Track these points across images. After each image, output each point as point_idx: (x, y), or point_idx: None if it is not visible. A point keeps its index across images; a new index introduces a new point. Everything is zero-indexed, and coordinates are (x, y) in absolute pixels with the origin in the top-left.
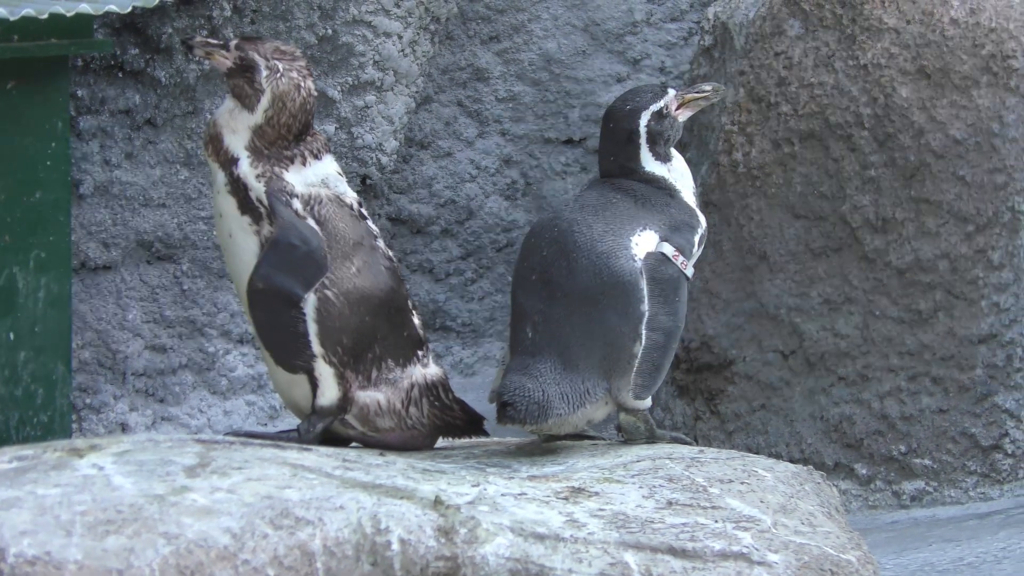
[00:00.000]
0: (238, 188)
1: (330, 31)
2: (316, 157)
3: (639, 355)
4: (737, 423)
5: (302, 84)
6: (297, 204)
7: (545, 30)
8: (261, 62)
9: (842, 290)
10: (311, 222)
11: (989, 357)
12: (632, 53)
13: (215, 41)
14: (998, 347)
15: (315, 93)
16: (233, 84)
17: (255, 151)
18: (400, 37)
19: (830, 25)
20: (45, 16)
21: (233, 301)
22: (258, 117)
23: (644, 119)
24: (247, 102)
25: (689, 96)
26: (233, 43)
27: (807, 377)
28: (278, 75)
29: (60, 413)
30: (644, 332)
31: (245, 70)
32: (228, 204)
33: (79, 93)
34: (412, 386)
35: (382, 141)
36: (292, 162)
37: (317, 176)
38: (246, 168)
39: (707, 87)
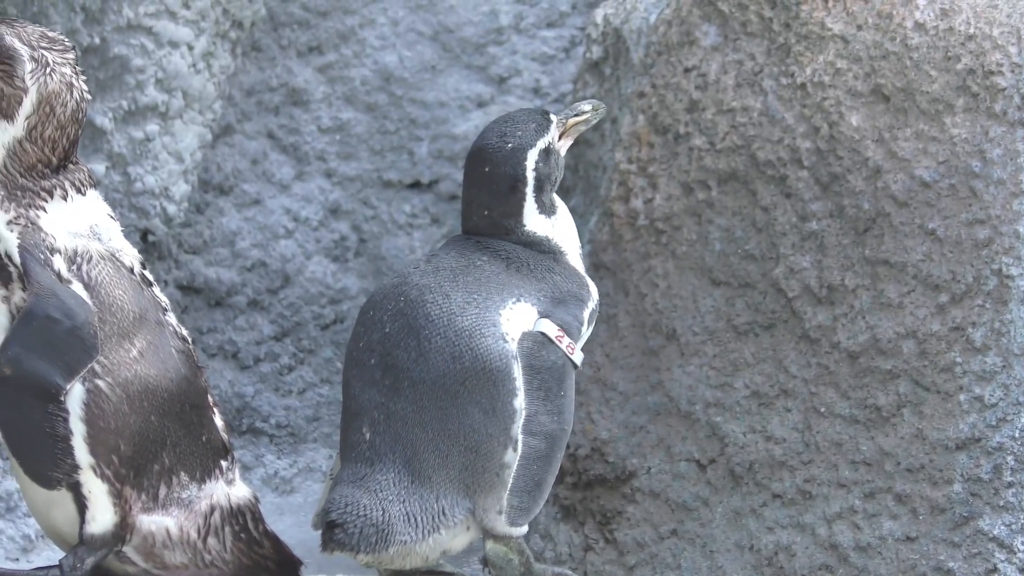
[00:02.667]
0: None
1: (98, 40)
2: (80, 192)
3: (513, 466)
4: (640, 555)
5: (75, 83)
6: (59, 263)
7: (382, 39)
8: (24, 51)
9: (776, 380)
10: (77, 287)
11: (971, 468)
12: (497, 69)
13: None
14: (982, 455)
15: (88, 98)
16: None
17: (7, 183)
18: (191, 48)
19: (756, 32)
20: None
21: None
22: (18, 128)
23: (532, 160)
24: (1, 104)
25: (571, 121)
26: None
27: (731, 494)
28: (47, 70)
29: None
30: (519, 436)
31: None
32: None
33: None
34: (212, 509)
35: (168, 185)
36: (51, 196)
37: (84, 220)
38: None
39: (585, 106)
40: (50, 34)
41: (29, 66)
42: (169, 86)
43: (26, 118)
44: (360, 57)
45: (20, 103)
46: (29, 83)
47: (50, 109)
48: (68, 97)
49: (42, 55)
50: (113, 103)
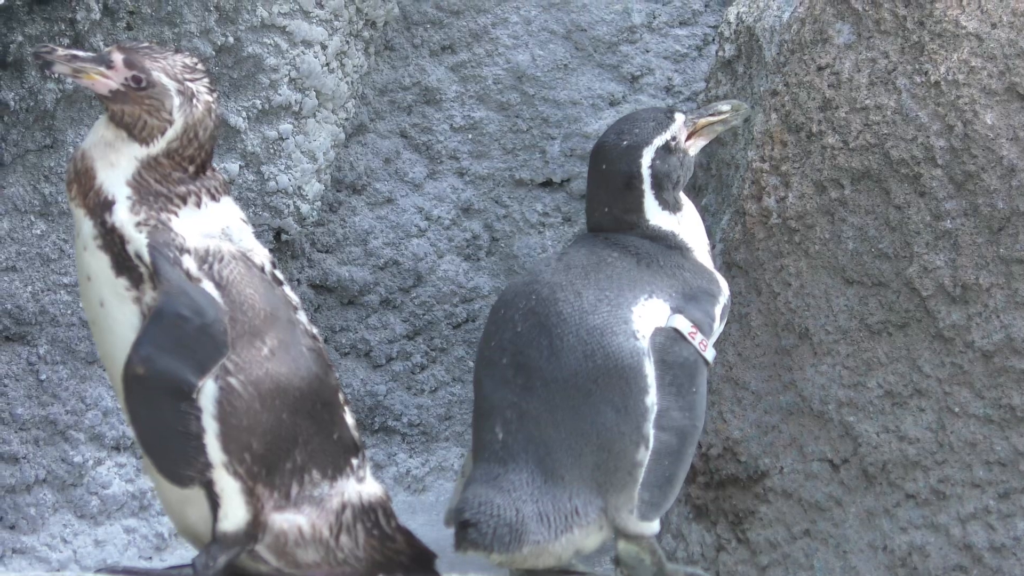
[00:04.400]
0: (112, 241)
1: (231, 39)
2: (214, 199)
3: (645, 463)
4: (772, 555)
5: (213, 108)
6: (189, 262)
7: (515, 37)
8: (172, 86)
9: (909, 379)
10: (208, 286)
11: None
12: (629, 67)
13: (84, 54)
14: None
15: (220, 114)
16: (121, 111)
17: (140, 188)
18: (324, 47)
19: (890, 30)
20: None
21: (106, 395)
22: (155, 149)
23: (647, 157)
24: (142, 133)
25: (702, 121)
26: (118, 57)
27: (864, 494)
28: (193, 101)
29: None
30: (651, 433)
31: (146, 96)
32: (98, 263)
33: None
34: (344, 507)
35: (302, 184)
36: (184, 203)
37: (216, 224)
38: (123, 215)
39: (724, 106)
40: (189, 62)
41: (177, 100)
42: (303, 85)
43: (168, 142)
44: (493, 56)
45: (163, 132)
46: (176, 116)
47: (194, 135)
48: (209, 122)
49: (187, 87)
50: (247, 102)
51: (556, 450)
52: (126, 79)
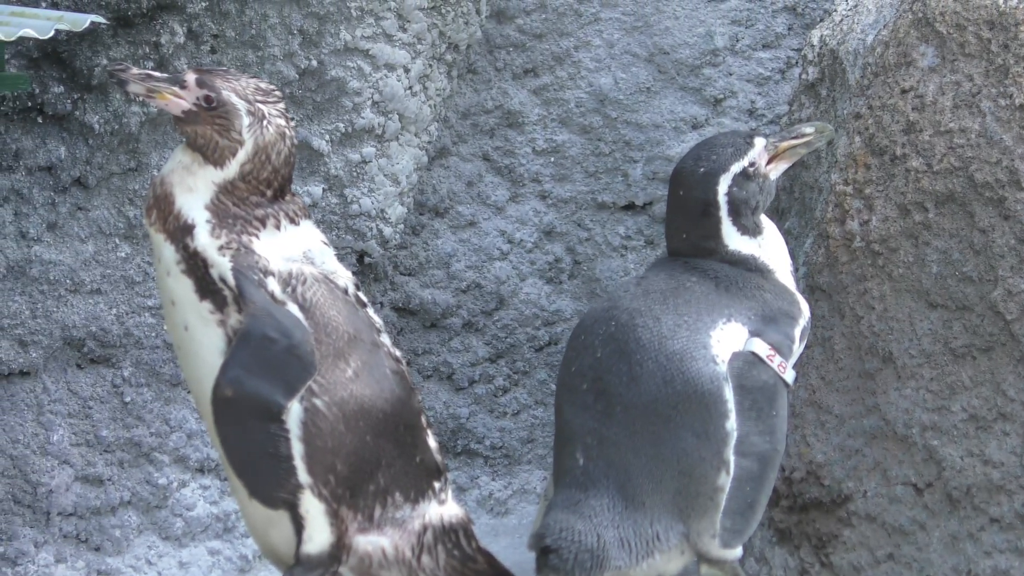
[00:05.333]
0: (195, 265)
1: (315, 62)
2: (293, 223)
3: (726, 489)
4: None
5: (287, 132)
6: (273, 284)
7: (597, 61)
8: (241, 105)
9: (994, 403)
10: (293, 308)
11: None
12: (712, 90)
13: (159, 74)
14: None
15: (297, 142)
16: (193, 131)
17: (219, 212)
18: (407, 70)
19: (974, 53)
20: None
21: (190, 417)
22: (230, 172)
23: (724, 185)
24: (214, 155)
25: (784, 145)
26: (191, 77)
27: (948, 518)
28: (263, 123)
29: None
30: (732, 458)
31: (216, 116)
32: (182, 287)
33: None
34: (425, 529)
35: (384, 207)
36: (264, 225)
37: (296, 247)
38: (205, 238)
39: (807, 129)
40: (262, 86)
41: (247, 120)
42: (385, 108)
43: (240, 165)
44: (575, 79)
45: (234, 154)
46: (246, 136)
47: (265, 157)
48: (282, 145)
49: (258, 108)
50: (330, 125)
51: (636, 476)
52: (198, 98)
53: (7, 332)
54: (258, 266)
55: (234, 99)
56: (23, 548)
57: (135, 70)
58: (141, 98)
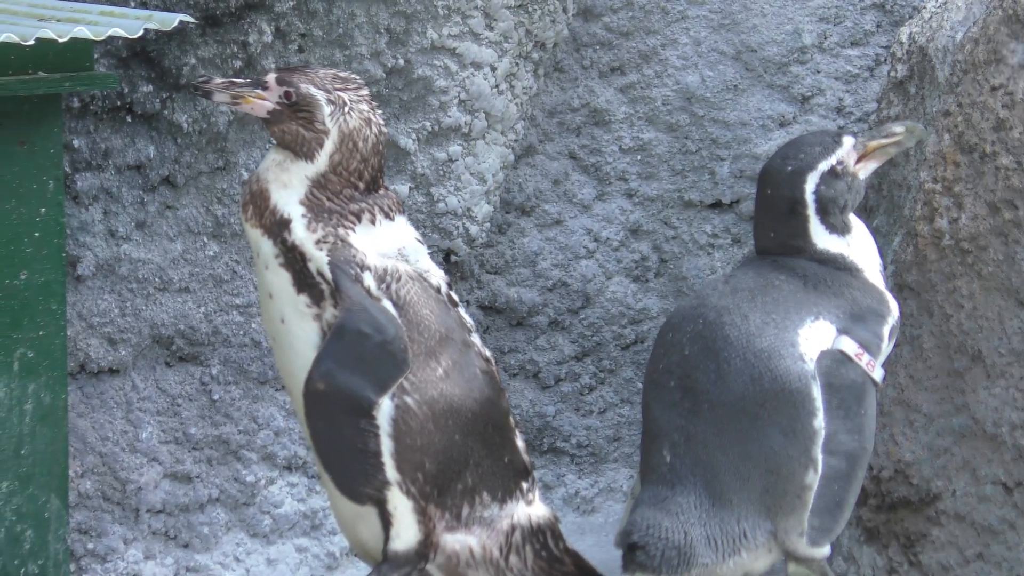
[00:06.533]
0: (293, 258)
1: (402, 61)
2: (388, 217)
3: (814, 487)
4: None
5: (372, 118)
6: (369, 280)
7: (684, 59)
8: (320, 95)
9: None
10: (387, 304)
11: None
12: (799, 88)
13: (241, 80)
14: None
15: (386, 130)
16: (280, 130)
17: (314, 207)
18: (494, 69)
19: None
20: (30, 43)
21: (278, 415)
22: (320, 164)
23: (812, 183)
24: (303, 149)
25: (873, 144)
26: (271, 77)
27: None
28: (345, 109)
29: (54, 562)
30: (820, 457)
31: (298, 110)
32: (280, 280)
33: (75, 143)
34: (513, 528)
35: (471, 205)
36: (359, 219)
37: (392, 243)
38: (302, 232)
39: (898, 128)
40: (341, 75)
41: (328, 109)
42: (472, 107)
43: (329, 156)
44: (662, 77)
45: (322, 145)
46: (330, 125)
47: (352, 144)
48: (368, 132)
49: (338, 96)
50: (416, 124)
51: (724, 473)
52: (279, 97)
53: (96, 330)
54: (355, 260)
55: (312, 90)
56: (112, 545)
57: (218, 79)
58: (227, 106)
